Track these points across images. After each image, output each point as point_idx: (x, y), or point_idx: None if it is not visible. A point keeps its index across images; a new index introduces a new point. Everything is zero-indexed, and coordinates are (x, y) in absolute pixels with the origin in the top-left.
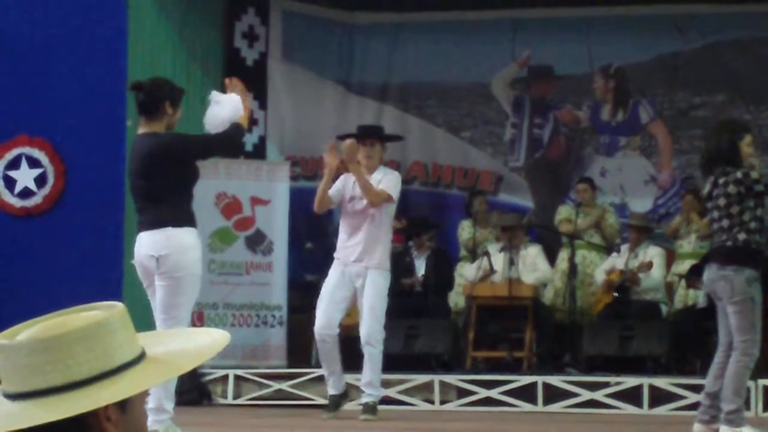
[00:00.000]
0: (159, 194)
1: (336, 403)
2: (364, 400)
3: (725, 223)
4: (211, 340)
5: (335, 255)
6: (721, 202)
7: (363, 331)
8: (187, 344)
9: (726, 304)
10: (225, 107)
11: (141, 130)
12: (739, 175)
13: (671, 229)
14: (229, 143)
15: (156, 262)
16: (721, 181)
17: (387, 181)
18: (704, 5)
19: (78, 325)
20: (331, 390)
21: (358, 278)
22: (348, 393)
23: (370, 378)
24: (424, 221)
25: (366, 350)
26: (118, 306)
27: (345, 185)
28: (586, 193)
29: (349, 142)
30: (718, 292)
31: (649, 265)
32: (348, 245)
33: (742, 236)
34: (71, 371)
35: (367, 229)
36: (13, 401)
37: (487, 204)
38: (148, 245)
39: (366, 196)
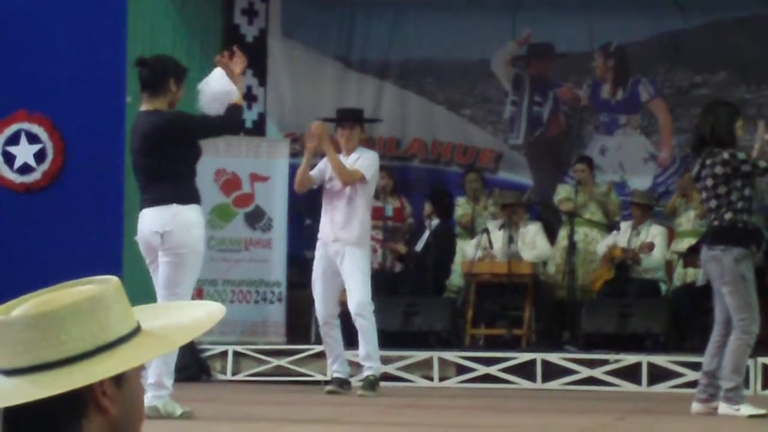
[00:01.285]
0: (162, 172)
1: (340, 383)
2: (365, 373)
3: (713, 203)
4: (207, 313)
5: (318, 235)
6: (709, 182)
7: (352, 305)
8: (182, 318)
9: (719, 285)
10: (210, 85)
11: (143, 107)
12: (725, 155)
13: (669, 207)
14: (229, 124)
15: (160, 238)
16: (708, 162)
17: (362, 161)
18: None
19: (72, 300)
20: (336, 373)
21: (337, 256)
22: (351, 383)
23: (366, 350)
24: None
25: (357, 323)
26: (113, 280)
27: (326, 166)
28: (584, 173)
29: (316, 123)
30: (710, 273)
31: (650, 246)
32: (327, 225)
33: (728, 216)
34: (65, 346)
35: (344, 209)
36: (7, 377)
37: (482, 181)
38: (152, 221)
39: (338, 176)
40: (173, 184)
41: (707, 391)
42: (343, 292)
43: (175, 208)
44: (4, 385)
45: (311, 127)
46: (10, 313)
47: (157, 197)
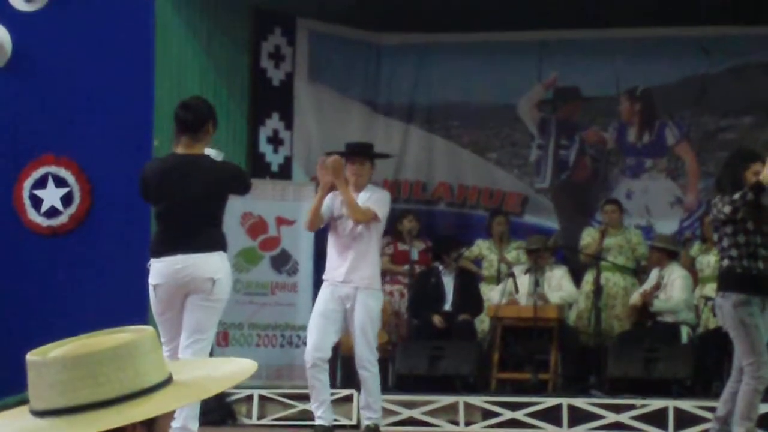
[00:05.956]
0: (215, 219)
1: (323, 431)
2: (364, 423)
3: (718, 250)
4: (239, 367)
5: (324, 276)
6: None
7: (356, 355)
8: (214, 371)
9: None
10: None
11: (184, 150)
12: (715, 201)
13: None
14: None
15: (212, 284)
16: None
17: (375, 200)
18: (731, 27)
19: (110, 345)
20: (320, 421)
21: (348, 300)
22: (334, 429)
23: (366, 401)
24: (450, 240)
25: (360, 374)
26: (149, 329)
27: (333, 203)
28: (614, 214)
29: (333, 157)
30: (719, 319)
31: (655, 287)
32: (336, 266)
33: (725, 263)
34: (101, 389)
35: (355, 249)
36: (41, 418)
37: (507, 225)
38: (204, 268)
39: (351, 214)
40: (219, 231)
41: None
42: (347, 335)
43: (223, 255)
44: (39, 425)
45: (328, 161)
46: (46, 355)
47: (209, 242)
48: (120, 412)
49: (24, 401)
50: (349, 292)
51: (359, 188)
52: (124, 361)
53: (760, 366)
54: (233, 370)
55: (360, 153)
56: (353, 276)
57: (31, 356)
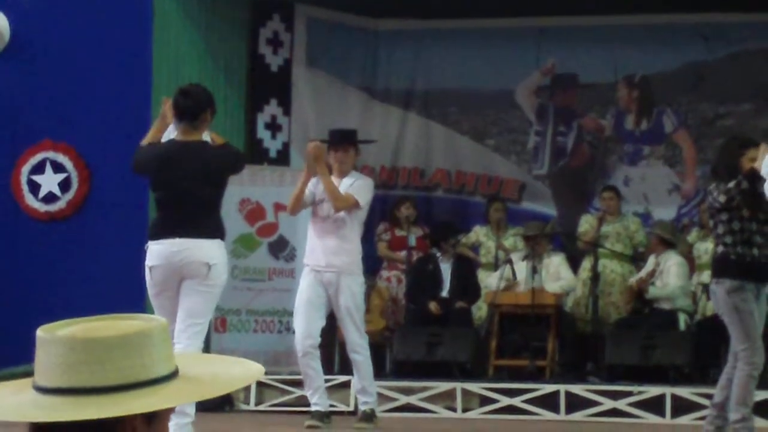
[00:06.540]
0: (215, 204)
1: (320, 417)
2: (361, 408)
3: (713, 236)
4: (246, 370)
5: (305, 261)
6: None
7: (347, 340)
8: (220, 370)
9: (721, 317)
10: None
11: (184, 137)
12: (711, 187)
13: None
14: None
15: (208, 269)
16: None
17: (357, 187)
18: (730, 14)
19: (120, 332)
20: (316, 407)
21: (330, 286)
22: (330, 415)
23: (361, 385)
24: (447, 227)
25: (352, 358)
26: (160, 320)
27: (315, 188)
28: (612, 201)
29: (314, 143)
30: (714, 306)
31: (650, 274)
32: (317, 250)
33: (719, 249)
34: (106, 375)
35: (336, 234)
36: (43, 395)
37: (505, 211)
38: (202, 253)
39: (331, 200)
40: (218, 217)
41: (715, 423)
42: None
43: (220, 242)
44: (40, 401)
45: (308, 147)
46: (55, 333)
47: (207, 229)
48: (121, 402)
49: (30, 373)
50: (331, 278)
51: (343, 174)
52: (133, 350)
53: (754, 352)
54: (241, 373)
55: (344, 140)
56: (335, 261)
57: (41, 332)
